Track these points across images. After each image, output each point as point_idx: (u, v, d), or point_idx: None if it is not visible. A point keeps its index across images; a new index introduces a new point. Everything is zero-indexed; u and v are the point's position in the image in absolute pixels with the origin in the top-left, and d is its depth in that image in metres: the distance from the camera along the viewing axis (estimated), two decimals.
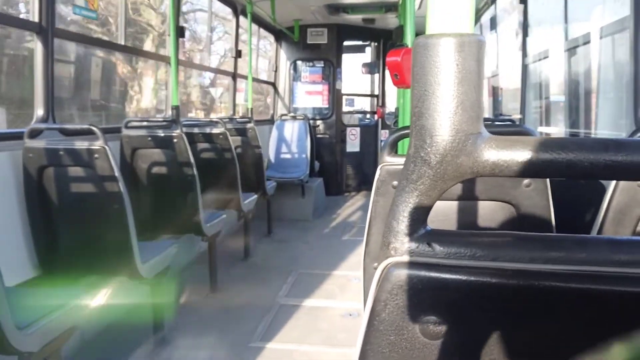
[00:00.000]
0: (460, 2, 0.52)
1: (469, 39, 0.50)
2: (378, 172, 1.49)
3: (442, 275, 0.51)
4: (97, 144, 2.38)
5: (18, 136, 2.49)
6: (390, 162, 1.49)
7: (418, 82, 0.51)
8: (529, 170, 0.49)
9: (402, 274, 0.51)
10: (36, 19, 2.65)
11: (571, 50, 3.28)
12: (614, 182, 1.39)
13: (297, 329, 3.14)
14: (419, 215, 0.53)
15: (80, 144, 2.42)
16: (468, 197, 1.41)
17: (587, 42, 2.97)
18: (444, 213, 1.42)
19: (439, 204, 1.38)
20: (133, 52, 3.99)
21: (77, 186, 2.49)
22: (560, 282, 0.49)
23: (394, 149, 1.56)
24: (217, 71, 5.79)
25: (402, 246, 0.53)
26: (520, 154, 0.49)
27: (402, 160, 1.49)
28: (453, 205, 1.43)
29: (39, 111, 2.72)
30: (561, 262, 0.50)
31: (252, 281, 4.03)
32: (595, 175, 0.48)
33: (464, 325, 0.52)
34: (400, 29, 4.58)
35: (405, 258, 0.52)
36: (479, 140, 0.50)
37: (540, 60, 3.97)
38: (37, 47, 2.70)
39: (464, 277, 0.50)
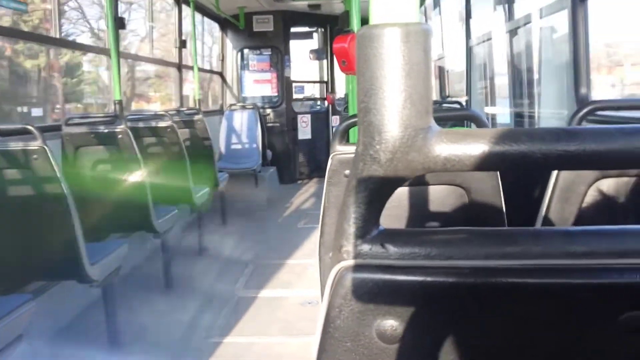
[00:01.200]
0: None
1: (415, 28, 0.48)
2: (330, 161, 1.48)
3: (396, 277, 0.49)
4: (35, 144, 2.26)
5: None
6: (341, 151, 1.48)
7: (363, 76, 0.49)
8: (482, 164, 0.48)
9: (356, 277, 0.49)
10: None
11: (513, 31, 3.36)
12: None
13: (256, 321, 3.12)
14: (371, 215, 0.51)
15: (17, 145, 2.30)
16: (419, 182, 1.41)
17: (528, 23, 3.05)
18: (397, 199, 1.42)
19: None
20: (69, 45, 3.81)
21: (16, 189, 2.36)
22: (516, 277, 0.48)
23: (344, 137, 1.55)
24: (161, 62, 5.63)
25: (355, 249, 0.51)
26: (471, 148, 0.47)
27: (353, 148, 1.48)
28: (405, 191, 1.43)
29: None
30: (517, 257, 0.49)
31: (208, 275, 3.96)
32: (549, 166, 0.48)
33: (422, 327, 0.51)
34: (346, 15, 4.57)
35: (359, 261, 0.50)
36: (429, 135, 0.48)
37: (484, 42, 4.04)
38: None
39: (419, 278, 0.49)
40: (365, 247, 0.51)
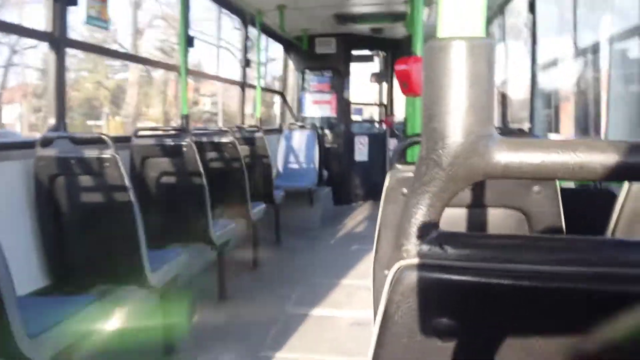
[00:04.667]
0: (472, 6, 0.52)
1: (480, 42, 0.51)
2: (387, 179, 1.49)
3: (454, 277, 0.51)
4: (108, 153, 2.39)
5: (30, 145, 2.52)
6: (399, 170, 1.49)
7: (429, 86, 0.52)
8: (540, 172, 0.49)
9: (414, 276, 0.51)
10: (49, 29, 2.68)
11: (580, 57, 3.28)
12: (625, 189, 1.38)
13: (305, 339, 3.13)
14: (431, 217, 0.53)
15: (91, 153, 2.44)
16: (477, 204, 1.40)
17: (596, 50, 2.97)
18: (454, 221, 1.41)
19: (448, 211, 1.38)
20: (143, 61, 4.02)
21: (87, 195, 2.50)
22: (572, 283, 0.49)
23: (403, 156, 1.56)
24: (226, 81, 5.83)
25: (414, 249, 0.53)
26: (531, 156, 0.49)
27: (411, 168, 1.49)
28: (463, 212, 1.42)
29: (51, 120, 2.74)
30: (573, 264, 0.50)
31: (260, 290, 4.02)
32: (607, 177, 0.48)
33: (477, 327, 0.52)
34: (408, 39, 4.59)
35: (417, 260, 0.52)
36: (490, 142, 0.50)
37: (549, 68, 3.96)
38: (50, 56, 2.73)
39: (475, 279, 0.50)
40: (425, 248, 0.53)
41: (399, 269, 0.52)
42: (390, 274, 0.53)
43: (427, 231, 0.53)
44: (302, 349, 2.98)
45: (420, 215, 0.53)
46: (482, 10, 0.52)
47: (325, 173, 7.15)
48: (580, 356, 0.51)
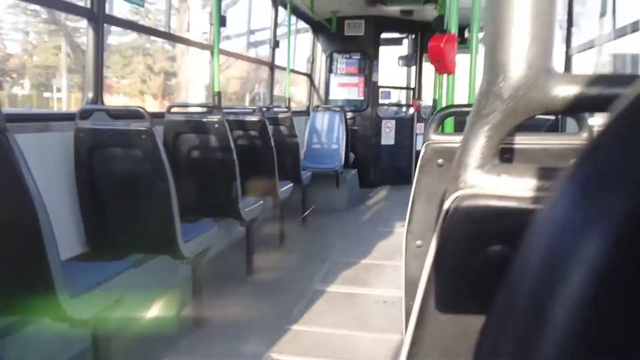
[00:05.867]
0: None
1: None
2: (423, 150, 1.50)
3: (509, 204, 0.52)
4: (144, 125, 2.46)
5: (70, 117, 2.59)
6: (435, 140, 1.50)
7: (492, 19, 0.53)
8: (599, 105, 0.50)
9: (471, 204, 0.53)
10: (88, 5, 2.75)
11: (617, 39, 3.21)
12: None
13: (331, 314, 3.18)
14: (489, 149, 0.55)
15: (128, 125, 2.51)
16: None
17: (635, 30, 2.91)
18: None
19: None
20: (177, 39, 4.09)
21: (124, 166, 2.58)
22: None
23: (439, 126, 1.57)
24: (256, 61, 5.87)
25: (472, 178, 0.55)
26: (589, 89, 0.50)
27: (448, 138, 1.50)
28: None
29: (89, 94, 2.82)
30: None
31: (287, 267, 4.09)
32: None
33: None
34: (440, 19, 4.54)
35: (474, 190, 0.54)
36: (550, 76, 0.52)
37: (585, 50, 3.89)
38: (89, 32, 2.80)
39: (530, 206, 0.52)
40: (482, 178, 0.55)
41: (456, 198, 0.54)
42: (445, 204, 0.55)
43: (485, 162, 0.55)
44: (328, 323, 3.03)
45: (478, 147, 0.54)
46: None
47: (351, 156, 7.16)
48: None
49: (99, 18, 2.78)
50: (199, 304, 2.95)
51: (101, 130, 2.53)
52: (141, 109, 2.51)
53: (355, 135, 7.53)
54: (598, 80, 0.50)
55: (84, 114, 2.61)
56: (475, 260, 0.54)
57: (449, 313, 0.55)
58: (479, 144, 0.54)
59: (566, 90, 0.51)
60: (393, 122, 7.91)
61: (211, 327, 2.90)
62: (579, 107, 0.51)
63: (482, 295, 0.50)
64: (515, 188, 0.54)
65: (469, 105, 3.01)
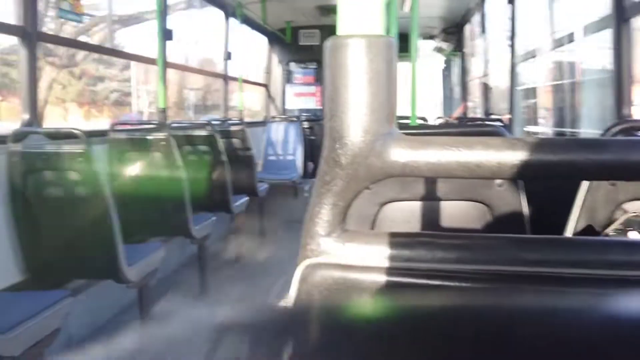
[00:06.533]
0: (370, 4, 0.52)
1: (378, 40, 0.50)
2: None
3: (355, 276, 0.51)
4: (81, 148, 2.37)
5: (1, 141, 2.49)
6: None
7: (329, 84, 0.51)
8: (438, 170, 0.49)
9: (318, 275, 0.52)
10: (20, 23, 2.65)
11: (556, 49, 3.30)
12: (585, 184, 1.39)
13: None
14: (335, 216, 0.53)
15: (64, 148, 2.42)
16: (438, 197, 1.41)
17: (571, 41, 2.99)
18: (408, 213, 1.42)
19: (406, 205, 1.39)
20: (120, 55, 3.99)
21: (61, 190, 2.48)
22: (477, 282, 0.49)
23: None
24: (207, 73, 5.81)
25: (318, 247, 0.53)
26: (429, 154, 0.49)
27: None
28: (422, 205, 1.43)
29: (24, 115, 2.71)
30: (471, 263, 0.50)
31: (243, 283, 4.02)
32: (503, 175, 0.48)
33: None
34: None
35: (321, 259, 0.53)
36: (388, 141, 0.50)
37: (527, 60, 3.98)
38: (22, 51, 2.69)
39: (376, 278, 0.50)
40: (329, 246, 0.53)
41: (304, 268, 0.53)
42: (296, 273, 0.53)
43: (331, 230, 0.53)
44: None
45: (324, 214, 0.53)
46: (381, 8, 0.52)
47: (310, 165, 7.14)
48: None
49: (32, 36, 2.68)
50: (146, 329, 2.87)
51: (35, 154, 2.43)
52: (77, 130, 2.43)
53: (313, 144, 7.51)
54: (441, 143, 0.49)
55: (17, 137, 2.51)
56: (326, 330, 0.52)
57: None
58: (325, 211, 0.53)
59: (405, 155, 0.49)
60: None
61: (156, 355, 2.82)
62: (419, 172, 0.50)
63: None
64: (360, 256, 0.52)
65: (407, 117, 3.04)
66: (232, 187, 4.16)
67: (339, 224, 0.53)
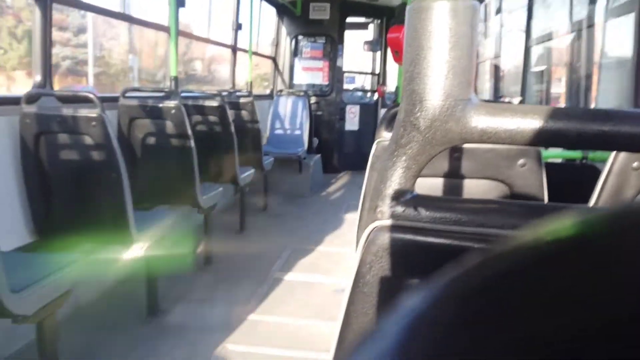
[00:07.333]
0: None
1: (463, 3, 0.50)
2: (374, 147, 1.49)
3: (427, 239, 0.51)
4: (95, 112, 2.37)
5: (15, 101, 2.48)
6: (386, 139, 1.49)
7: (411, 46, 0.51)
8: (516, 137, 0.49)
9: (388, 237, 0.52)
10: None
11: (575, 32, 3.26)
12: (608, 165, 1.39)
13: (290, 303, 3.17)
14: (407, 179, 0.53)
15: (78, 112, 2.41)
16: (462, 174, 1.41)
17: (591, 25, 2.95)
18: (436, 190, 1.42)
19: (428, 181, 1.39)
20: (132, 20, 3.95)
21: (73, 153, 2.48)
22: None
23: (391, 124, 1.56)
24: (217, 43, 5.75)
25: (389, 210, 0.53)
26: (508, 121, 0.49)
27: None
28: (446, 182, 1.43)
29: (37, 77, 2.70)
30: None
31: (246, 254, 4.05)
32: (583, 145, 0.48)
33: None
34: (403, 6, 4.53)
35: (392, 222, 0.53)
36: (468, 106, 0.50)
37: (543, 43, 3.94)
38: (36, 12, 2.66)
39: (448, 241, 0.51)
40: (399, 209, 0.53)
41: (373, 229, 0.53)
42: (364, 235, 0.53)
43: (403, 193, 0.53)
44: (286, 312, 3.03)
45: (396, 177, 0.53)
46: None
47: (315, 141, 7.12)
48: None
49: None
50: (154, 295, 2.90)
51: (49, 116, 2.42)
52: (91, 94, 2.41)
53: (319, 120, 7.49)
54: (520, 110, 0.49)
55: (31, 99, 2.49)
56: (391, 292, 0.52)
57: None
58: (397, 174, 0.52)
59: (485, 122, 0.49)
60: (357, 107, 7.89)
61: (167, 318, 2.85)
62: (497, 139, 0.49)
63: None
64: (431, 220, 0.52)
65: None
66: (238, 159, 4.16)
67: (411, 188, 0.53)
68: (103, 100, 2.47)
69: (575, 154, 2.55)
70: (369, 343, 0.17)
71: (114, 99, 3.27)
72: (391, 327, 0.17)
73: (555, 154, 2.71)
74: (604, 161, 1.53)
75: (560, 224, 0.17)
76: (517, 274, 0.17)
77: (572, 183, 1.67)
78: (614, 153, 1.31)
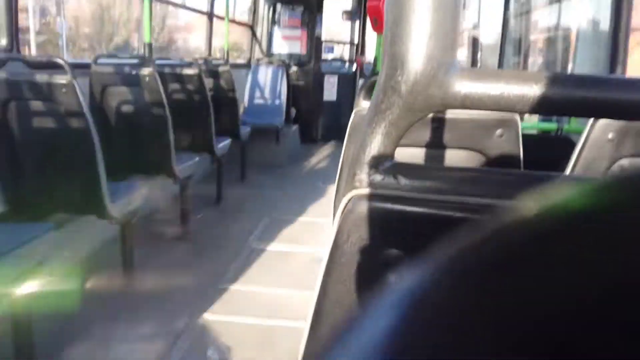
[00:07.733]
0: None
1: None
2: (352, 117, 1.48)
3: (405, 208, 0.50)
4: (65, 78, 2.29)
5: None
6: (365, 108, 1.47)
7: (393, 6, 0.49)
8: (501, 104, 0.48)
9: (366, 205, 0.50)
10: None
11: (553, 3, 3.25)
12: (583, 137, 1.40)
13: (267, 273, 3.19)
14: (386, 146, 0.51)
15: (47, 78, 2.33)
16: (439, 144, 1.41)
17: None
18: (414, 159, 1.42)
19: (407, 150, 1.38)
20: None
21: (43, 121, 2.41)
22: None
23: (369, 93, 1.54)
24: (192, 9, 5.61)
25: (368, 178, 0.52)
26: (492, 87, 0.47)
27: None
28: (423, 152, 1.43)
29: (2, 40, 2.59)
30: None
31: (223, 225, 4.04)
32: (567, 112, 0.48)
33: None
34: None
35: (370, 190, 0.51)
36: (451, 71, 0.48)
37: (521, 14, 3.93)
38: None
39: (427, 210, 0.50)
40: (378, 177, 0.51)
41: (351, 199, 0.52)
42: (341, 204, 0.52)
43: (382, 161, 0.51)
44: (262, 282, 3.04)
45: (375, 144, 0.51)
46: None
47: (293, 111, 7.06)
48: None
49: None
50: (130, 263, 2.87)
51: (16, 82, 2.34)
52: (60, 60, 2.33)
53: (297, 90, 7.41)
54: (503, 77, 0.47)
55: None
56: (369, 262, 0.51)
57: (344, 310, 0.53)
58: (376, 141, 0.51)
59: (468, 87, 0.48)
60: (336, 77, 7.83)
61: (141, 290, 2.84)
62: (480, 105, 0.48)
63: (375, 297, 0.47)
64: (410, 189, 0.51)
65: None
66: (214, 128, 4.10)
67: (390, 155, 0.52)
68: (74, 66, 2.39)
69: (551, 126, 2.57)
70: (357, 328, 0.16)
71: (86, 66, 3.17)
72: (383, 310, 0.16)
73: (530, 125, 2.73)
74: (578, 133, 1.55)
75: (564, 194, 0.16)
76: (530, 245, 0.16)
77: (547, 154, 1.69)
78: (589, 125, 1.32)
